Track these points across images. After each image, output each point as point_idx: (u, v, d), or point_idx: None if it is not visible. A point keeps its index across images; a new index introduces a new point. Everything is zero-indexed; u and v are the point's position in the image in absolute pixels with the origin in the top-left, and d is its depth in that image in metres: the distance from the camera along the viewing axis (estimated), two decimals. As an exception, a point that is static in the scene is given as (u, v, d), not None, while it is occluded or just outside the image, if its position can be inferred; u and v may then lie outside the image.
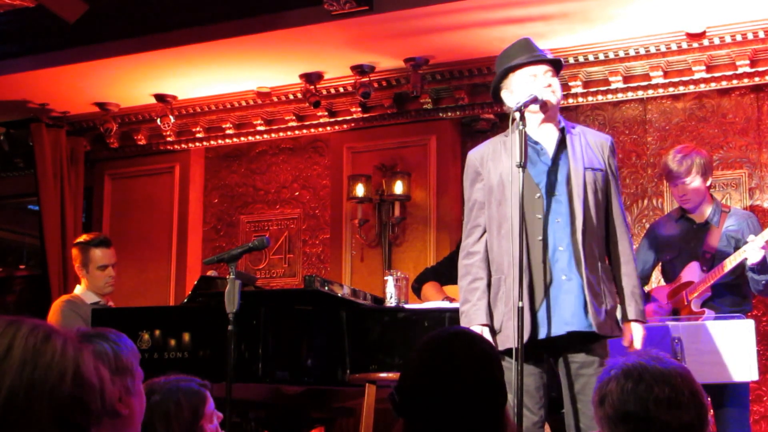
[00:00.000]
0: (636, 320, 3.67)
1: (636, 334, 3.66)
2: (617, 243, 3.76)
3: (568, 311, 3.59)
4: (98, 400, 1.40)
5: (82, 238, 5.41)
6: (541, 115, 3.76)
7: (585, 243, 3.62)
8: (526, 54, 3.78)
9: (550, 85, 3.74)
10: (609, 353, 3.66)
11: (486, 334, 3.63)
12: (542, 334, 3.59)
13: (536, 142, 3.75)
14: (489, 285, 3.74)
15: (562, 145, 3.75)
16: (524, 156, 3.55)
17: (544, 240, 3.63)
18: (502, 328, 3.65)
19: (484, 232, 3.78)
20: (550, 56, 3.86)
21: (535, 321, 3.59)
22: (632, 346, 3.64)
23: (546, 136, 3.77)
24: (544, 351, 3.67)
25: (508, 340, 3.60)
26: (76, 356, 1.38)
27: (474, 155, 3.87)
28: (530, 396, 3.59)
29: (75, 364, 1.38)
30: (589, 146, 3.77)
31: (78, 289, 5.28)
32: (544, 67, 3.77)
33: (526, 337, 3.51)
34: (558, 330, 3.59)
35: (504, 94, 3.84)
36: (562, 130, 3.78)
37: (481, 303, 3.70)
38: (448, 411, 2.13)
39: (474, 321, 3.68)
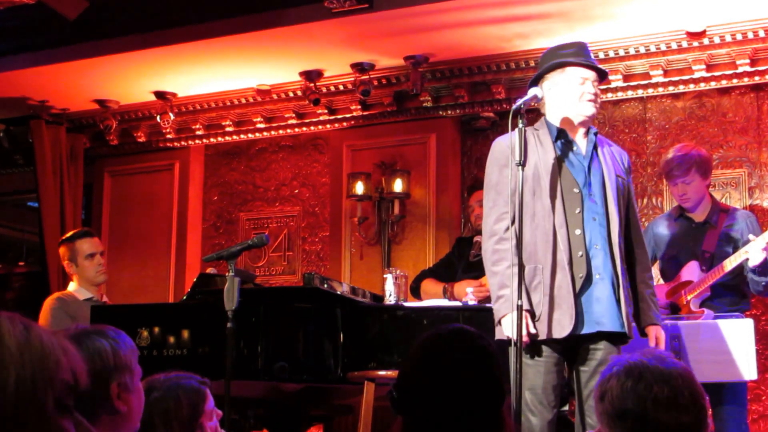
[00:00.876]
0: (656, 324, 3.79)
1: (660, 336, 3.78)
2: (637, 250, 3.85)
3: (600, 310, 3.63)
4: (86, 381, 1.42)
5: (65, 236, 5.46)
6: (581, 123, 3.83)
7: (620, 244, 3.70)
8: (582, 57, 3.84)
9: (596, 95, 3.82)
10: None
11: (529, 319, 3.63)
12: (578, 330, 3.63)
13: (572, 141, 3.80)
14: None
15: (595, 149, 3.83)
16: (524, 155, 3.59)
17: (583, 234, 3.68)
18: (541, 317, 3.64)
19: (513, 220, 3.76)
20: (596, 64, 3.94)
21: (577, 315, 3.62)
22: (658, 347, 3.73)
23: (579, 136, 3.84)
24: (567, 349, 3.69)
25: (551, 330, 3.62)
26: (60, 343, 1.39)
27: (505, 141, 3.80)
28: (547, 394, 3.62)
29: (62, 350, 1.38)
30: (614, 155, 3.88)
31: (71, 287, 5.28)
32: (592, 75, 3.83)
33: (566, 332, 3.57)
34: (589, 328, 3.63)
35: (546, 85, 3.85)
36: (595, 134, 3.86)
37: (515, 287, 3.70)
38: (446, 408, 2.13)
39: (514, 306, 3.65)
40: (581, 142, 3.82)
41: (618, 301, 3.64)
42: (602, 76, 3.90)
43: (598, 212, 3.71)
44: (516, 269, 3.58)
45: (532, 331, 3.62)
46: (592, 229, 3.69)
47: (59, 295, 5.23)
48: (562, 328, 3.59)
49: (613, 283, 3.66)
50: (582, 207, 3.70)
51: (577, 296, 3.63)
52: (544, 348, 3.65)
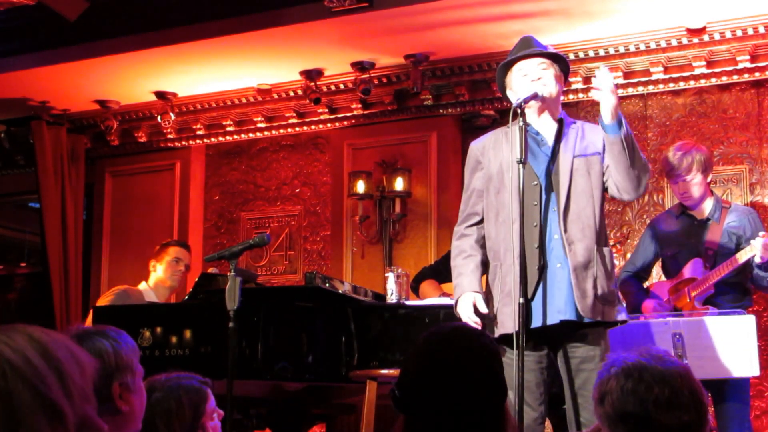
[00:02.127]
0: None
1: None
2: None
3: (561, 299, 3.60)
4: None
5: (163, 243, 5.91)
6: (538, 106, 3.77)
7: (568, 228, 3.62)
8: (521, 51, 3.83)
9: (540, 78, 3.75)
10: (610, 347, 3.66)
11: (479, 301, 3.65)
12: (537, 322, 3.59)
13: (537, 133, 3.78)
14: (485, 266, 3.77)
15: (560, 136, 3.78)
16: (524, 152, 3.58)
17: (540, 227, 3.65)
18: (497, 314, 3.66)
19: (481, 220, 3.82)
20: (545, 49, 3.86)
21: (529, 310, 3.58)
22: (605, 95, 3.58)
23: (546, 127, 3.81)
24: (546, 345, 3.68)
25: (502, 326, 3.62)
26: (71, 353, 1.39)
27: (476, 145, 3.92)
28: (530, 392, 3.59)
29: (76, 362, 1.39)
30: (584, 135, 3.78)
31: (142, 285, 5.63)
32: (536, 61, 3.79)
33: (516, 328, 3.51)
34: (552, 319, 3.59)
35: (508, 93, 3.89)
36: (560, 122, 3.80)
37: (475, 275, 3.72)
38: (448, 406, 2.13)
39: (467, 288, 3.70)
40: (546, 131, 3.79)
41: (580, 288, 3.58)
42: (551, 57, 3.81)
43: (556, 201, 3.68)
44: (506, 267, 3.64)
45: (483, 310, 3.63)
46: (552, 221, 3.66)
47: (126, 287, 5.59)
48: (512, 323, 3.54)
49: (576, 266, 3.59)
50: (540, 199, 3.67)
51: (535, 289, 3.61)
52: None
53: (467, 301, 3.67)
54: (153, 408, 2.65)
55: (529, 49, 3.82)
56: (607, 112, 3.61)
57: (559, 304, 3.59)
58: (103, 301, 5.48)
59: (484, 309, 3.65)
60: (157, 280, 5.68)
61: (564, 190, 3.66)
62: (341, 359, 4.56)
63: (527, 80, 3.76)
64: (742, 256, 4.53)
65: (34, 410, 1.32)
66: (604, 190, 3.76)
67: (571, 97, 6.28)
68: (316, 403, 5.10)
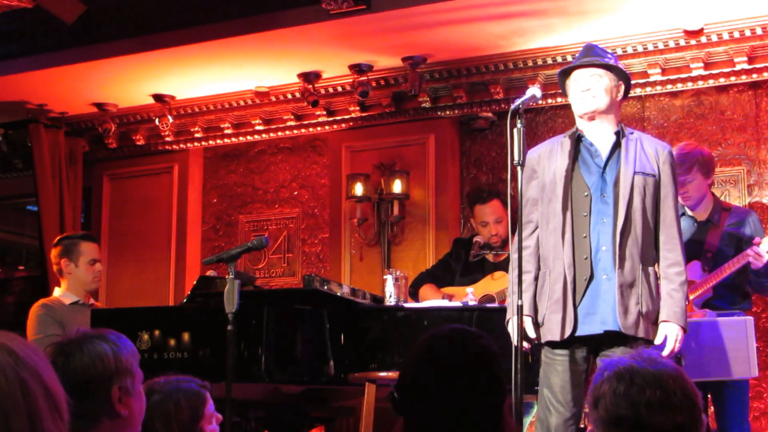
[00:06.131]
0: (668, 321, 3.68)
1: (668, 334, 3.67)
2: (663, 248, 3.78)
3: (607, 311, 3.65)
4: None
5: (67, 234, 5.38)
6: (588, 116, 3.83)
7: (622, 244, 3.67)
8: (579, 59, 3.90)
9: (588, 89, 3.80)
10: None
11: (528, 324, 3.72)
12: (582, 331, 3.66)
13: (591, 144, 3.82)
14: (536, 278, 3.81)
15: (616, 148, 3.81)
16: (523, 155, 3.61)
17: (589, 237, 3.68)
18: (544, 321, 3.73)
19: (536, 228, 3.86)
20: (601, 59, 3.86)
21: (576, 317, 3.66)
22: (667, 348, 3.65)
23: (601, 138, 3.84)
24: (587, 348, 3.72)
25: (549, 333, 3.69)
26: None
27: (532, 154, 3.93)
28: (564, 392, 3.65)
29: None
30: (644, 151, 3.82)
31: (57, 292, 5.18)
32: (589, 71, 3.83)
33: (568, 333, 3.63)
34: (595, 328, 3.66)
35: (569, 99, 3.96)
36: (617, 134, 3.83)
37: (526, 295, 3.75)
38: (447, 409, 2.13)
39: (516, 312, 3.71)
40: (601, 143, 3.83)
41: (624, 305, 3.63)
42: (608, 68, 3.86)
43: (608, 214, 3.72)
44: (556, 274, 3.70)
45: (531, 335, 3.72)
46: (600, 232, 3.71)
47: (44, 302, 5.12)
48: (560, 331, 3.65)
49: (623, 284, 3.65)
50: (590, 210, 3.72)
51: (582, 298, 3.67)
52: (564, 348, 3.70)
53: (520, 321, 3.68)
54: (152, 411, 2.65)
55: (587, 57, 3.87)
56: None
57: (604, 315, 3.65)
58: (30, 324, 5.00)
59: (532, 334, 3.74)
60: (70, 285, 5.16)
61: (624, 204, 3.69)
62: (340, 362, 4.55)
63: (578, 90, 3.81)
64: (738, 261, 4.54)
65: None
66: (657, 212, 3.78)
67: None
68: (315, 406, 5.10)
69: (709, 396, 4.57)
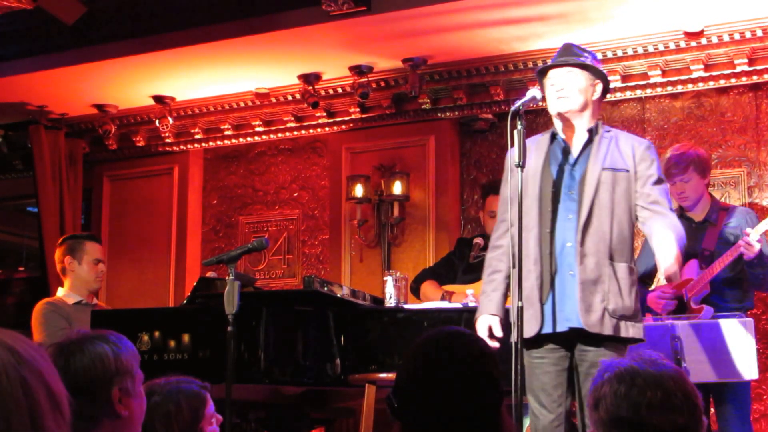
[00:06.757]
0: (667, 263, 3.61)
1: (667, 265, 3.60)
2: (649, 218, 3.73)
3: (571, 308, 3.62)
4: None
5: (71, 234, 5.41)
6: (561, 118, 3.83)
7: (585, 240, 3.64)
8: (556, 58, 3.88)
9: (562, 89, 3.79)
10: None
11: (495, 324, 3.72)
12: (548, 328, 3.63)
13: (564, 142, 3.82)
14: (508, 277, 3.80)
15: (588, 145, 3.80)
16: (523, 156, 3.60)
17: (552, 233, 3.67)
18: (510, 321, 3.70)
19: (509, 227, 3.82)
20: (576, 59, 3.84)
21: (542, 315, 3.64)
22: (675, 280, 3.64)
23: (573, 136, 3.84)
24: (564, 347, 3.70)
25: (513, 334, 3.64)
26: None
27: (509, 153, 3.90)
28: (547, 394, 3.64)
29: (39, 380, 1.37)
30: (618, 148, 3.80)
31: (60, 292, 5.23)
32: (564, 70, 3.82)
33: (533, 332, 3.59)
34: (561, 326, 3.63)
35: None
36: (590, 131, 3.81)
37: (495, 294, 3.78)
38: (444, 411, 2.13)
39: (483, 311, 3.78)
40: (574, 141, 3.82)
41: (586, 302, 3.59)
42: (584, 67, 3.81)
43: (574, 210, 3.69)
44: (512, 273, 3.66)
45: (498, 334, 3.70)
46: (566, 228, 3.68)
47: (49, 300, 5.20)
48: (530, 328, 3.61)
49: (585, 280, 3.61)
50: (556, 206, 3.70)
51: (548, 295, 3.65)
52: (539, 349, 3.68)
53: (483, 324, 3.74)
54: (152, 412, 2.65)
55: (564, 56, 3.85)
56: None
57: (568, 312, 3.62)
58: (36, 322, 5.03)
59: (499, 333, 3.72)
60: (73, 285, 5.19)
61: (587, 201, 3.68)
62: (340, 363, 4.55)
63: (554, 90, 3.80)
64: (731, 254, 4.55)
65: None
66: (630, 207, 3.75)
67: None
68: (315, 407, 5.10)
69: (710, 397, 4.57)
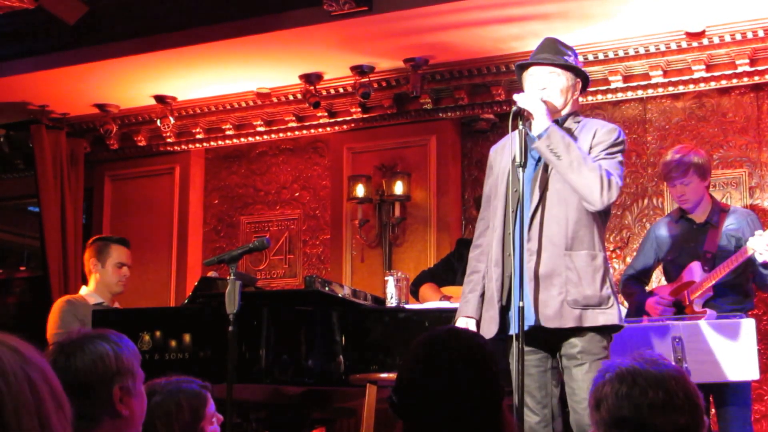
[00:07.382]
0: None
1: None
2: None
3: (528, 306, 3.54)
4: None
5: (102, 236, 5.58)
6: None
7: (538, 235, 3.59)
8: (537, 55, 3.82)
9: (544, 88, 3.74)
10: (602, 350, 3.60)
11: (471, 326, 3.68)
12: (513, 329, 3.53)
13: (533, 138, 3.73)
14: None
15: None
16: (524, 156, 3.56)
17: (512, 234, 3.57)
18: (482, 319, 3.69)
19: (488, 225, 3.81)
20: (561, 57, 3.79)
21: (504, 317, 3.61)
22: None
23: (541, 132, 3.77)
24: (544, 348, 3.67)
25: (483, 331, 3.62)
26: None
27: (492, 149, 3.90)
28: (531, 396, 3.59)
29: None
30: (581, 135, 3.71)
31: (83, 290, 5.30)
32: (546, 69, 3.77)
33: (492, 333, 3.57)
34: (527, 325, 3.54)
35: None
36: (556, 122, 3.72)
37: (472, 296, 3.75)
38: (445, 409, 2.13)
39: (460, 313, 3.77)
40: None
41: (541, 297, 3.55)
42: (566, 66, 3.76)
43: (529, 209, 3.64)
44: (490, 274, 3.65)
45: None
46: (531, 226, 3.61)
47: (69, 298, 5.28)
48: (488, 330, 3.58)
49: (538, 275, 3.55)
50: (519, 206, 3.59)
51: (509, 295, 3.59)
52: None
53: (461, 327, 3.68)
54: (153, 411, 2.65)
55: (545, 53, 3.79)
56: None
57: (527, 311, 3.51)
58: (53, 318, 5.09)
59: None
60: (98, 286, 5.26)
61: (536, 197, 3.63)
62: (341, 363, 4.55)
63: (534, 87, 3.76)
64: (738, 258, 4.53)
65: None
66: None
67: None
68: (316, 407, 5.10)
69: (711, 398, 4.56)
